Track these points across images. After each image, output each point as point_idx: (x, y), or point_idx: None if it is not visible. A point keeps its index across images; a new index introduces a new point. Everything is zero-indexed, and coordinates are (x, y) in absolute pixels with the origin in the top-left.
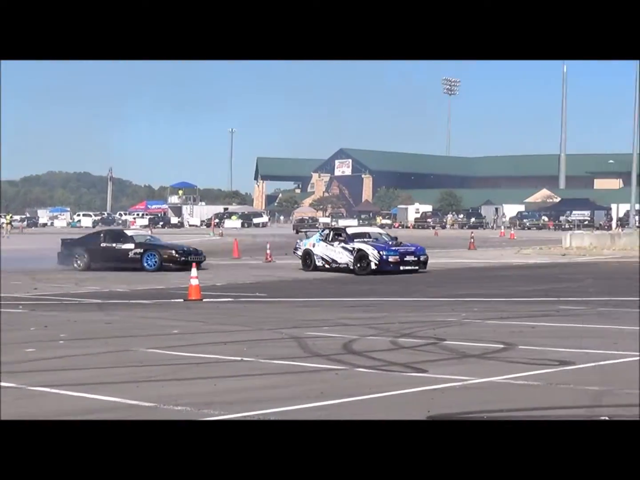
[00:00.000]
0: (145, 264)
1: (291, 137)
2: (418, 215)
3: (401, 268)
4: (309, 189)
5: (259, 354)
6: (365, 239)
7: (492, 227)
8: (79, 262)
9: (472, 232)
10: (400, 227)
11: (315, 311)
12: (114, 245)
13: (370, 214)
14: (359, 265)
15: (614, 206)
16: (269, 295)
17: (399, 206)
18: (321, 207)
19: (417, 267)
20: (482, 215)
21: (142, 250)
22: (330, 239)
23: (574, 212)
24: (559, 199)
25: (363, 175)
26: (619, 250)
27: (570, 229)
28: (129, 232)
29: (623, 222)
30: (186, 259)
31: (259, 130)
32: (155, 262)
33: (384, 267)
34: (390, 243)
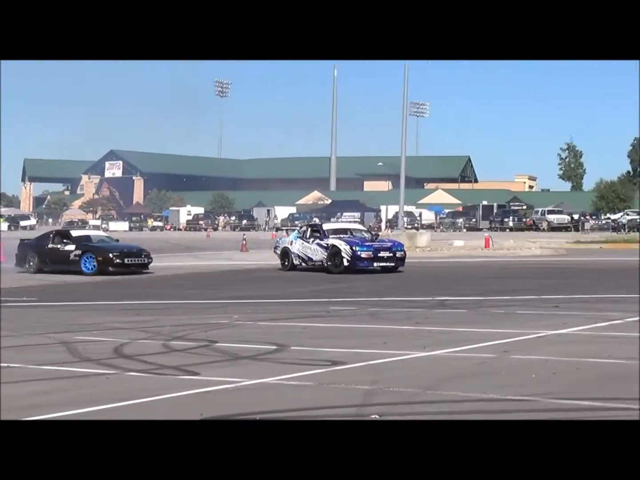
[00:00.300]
0: (83, 267)
1: (60, 138)
2: (190, 218)
3: (375, 265)
4: (78, 191)
5: (26, 360)
6: (341, 235)
7: (264, 229)
8: (31, 263)
9: (244, 234)
10: (172, 230)
11: (86, 315)
12: (59, 246)
13: (142, 216)
14: (332, 262)
15: (383, 208)
16: (39, 299)
17: (171, 208)
18: (91, 209)
19: (392, 264)
20: (254, 217)
21: (80, 252)
22: (307, 236)
23: (344, 213)
24: (329, 201)
25: (134, 177)
26: None
27: None
28: (75, 233)
29: (392, 223)
30: (122, 261)
31: (26, 131)
32: (94, 265)
33: (357, 264)
34: (366, 238)
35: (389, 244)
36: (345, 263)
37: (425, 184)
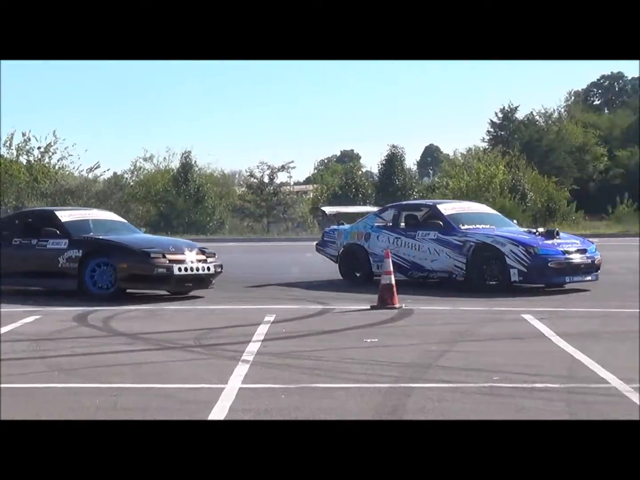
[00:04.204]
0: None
1: None
2: None
3: (567, 279)
4: None
5: None
6: (480, 227)
7: None
8: None
9: None
10: None
11: None
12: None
13: None
14: (479, 272)
15: None
16: None
17: None
18: None
19: (588, 277)
20: None
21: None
22: (403, 226)
23: None
24: None
25: None
26: None
27: None
28: (65, 215)
29: None
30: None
31: None
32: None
33: (540, 277)
34: (536, 234)
35: (577, 242)
36: (515, 277)
37: None
